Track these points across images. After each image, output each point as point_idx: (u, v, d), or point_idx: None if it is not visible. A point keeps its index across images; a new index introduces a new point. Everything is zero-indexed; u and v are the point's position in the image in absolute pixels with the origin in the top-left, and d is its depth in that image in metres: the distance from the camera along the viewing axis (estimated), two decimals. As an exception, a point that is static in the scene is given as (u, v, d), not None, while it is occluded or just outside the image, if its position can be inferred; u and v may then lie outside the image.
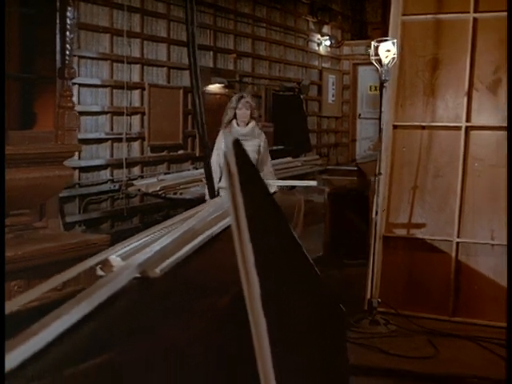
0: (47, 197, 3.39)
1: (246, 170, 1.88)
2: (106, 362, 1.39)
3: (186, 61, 9.64)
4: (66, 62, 3.31)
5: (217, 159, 5.87)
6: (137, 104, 8.74)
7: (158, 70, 9.20)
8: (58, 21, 3.24)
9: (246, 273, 1.60)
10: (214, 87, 10.17)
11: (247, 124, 6.08)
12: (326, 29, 13.92)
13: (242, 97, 6.18)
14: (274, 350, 1.60)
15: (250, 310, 1.57)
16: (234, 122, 6.07)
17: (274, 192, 5.50)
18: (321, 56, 13.79)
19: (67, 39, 3.32)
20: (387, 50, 5.02)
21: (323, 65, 13.94)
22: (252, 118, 6.10)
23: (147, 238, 2.40)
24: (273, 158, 6.98)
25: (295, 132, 11.70)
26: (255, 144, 6.05)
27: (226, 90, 10.47)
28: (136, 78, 8.73)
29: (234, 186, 1.65)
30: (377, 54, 5.13)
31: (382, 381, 4.27)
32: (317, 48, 13.73)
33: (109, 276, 1.84)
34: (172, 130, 9.37)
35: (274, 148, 10.20)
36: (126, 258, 2.06)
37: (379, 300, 5.26)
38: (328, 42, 13.87)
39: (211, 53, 10.29)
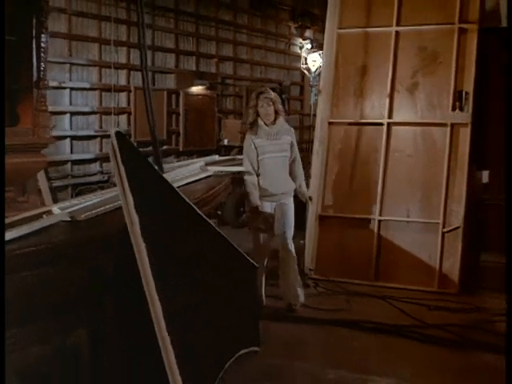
0: (27, 178, 4.48)
1: (131, 157, 3.00)
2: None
3: (169, 65, 10.84)
4: (41, 76, 4.39)
5: (251, 165, 5.49)
6: (124, 105, 9.83)
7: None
8: (34, 45, 4.34)
9: (134, 236, 2.71)
10: (197, 89, 11.26)
11: (275, 121, 5.53)
12: (308, 33, 14.92)
13: (260, 92, 5.56)
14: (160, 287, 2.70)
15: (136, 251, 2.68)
16: (260, 121, 5.50)
17: (209, 176, 5.40)
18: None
19: (42, 59, 4.40)
20: (313, 60, 6.09)
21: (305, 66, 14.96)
22: (278, 113, 5.54)
23: (87, 199, 3.50)
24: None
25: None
26: (286, 142, 5.59)
27: (208, 91, 11.57)
28: (123, 82, 9.81)
29: (121, 174, 2.74)
30: (306, 64, 6.19)
31: (305, 326, 5.25)
32: (299, 51, 14.75)
33: (47, 217, 2.94)
34: (156, 128, 10.42)
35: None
36: (64, 209, 3.15)
37: (311, 268, 6.34)
38: (309, 46, 14.84)
39: (194, 58, 11.37)
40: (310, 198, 6.11)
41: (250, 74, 12.91)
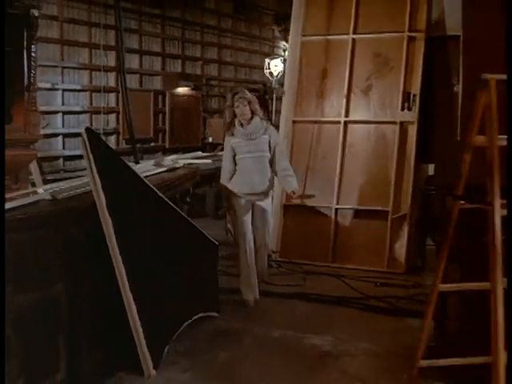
0: (20, 168, 5.24)
1: (99, 148, 3.76)
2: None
3: (156, 68, 11.60)
4: (31, 81, 5.15)
5: (227, 167, 5.61)
6: (113, 104, 10.59)
7: (132, 76, 11.05)
8: (25, 54, 5.10)
9: (102, 213, 3.45)
10: (182, 90, 12.02)
11: (250, 121, 5.49)
12: (291, 35, 15.65)
13: (235, 93, 5.57)
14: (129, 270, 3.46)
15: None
16: (237, 121, 5.50)
17: (178, 167, 5.89)
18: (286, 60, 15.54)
19: (32, 66, 5.16)
20: (275, 66, 6.86)
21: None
22: (254, 113, 5.50)
23: (69, 182, 4.27)
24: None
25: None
26: (264, 142, 5.54)
27: (194, 92, 12.34)
28: (112, 83, 10.58)
29: (90, 162, 3.48)
30: (269, 68, 6.96)
31: (264, 298, 5.97)
32: (283, 53, 15.50)
33: (33, 196, 3.71)
34: (144, 126, 11.20)
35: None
36: (47, 190, 3.92)
37: (273, 250, 7.10)
38: (292, 48, 15.57)
39: (180, 60, 12.13)
40: (294, 192, 5.76)
41: (234, 75, 13.67)
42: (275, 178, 5.81)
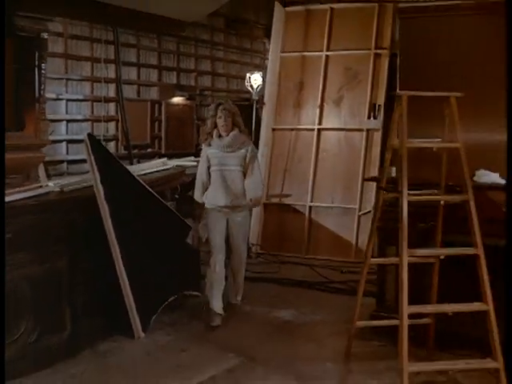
0: (30, 168, 6.15)
1: (101, 152, 4.68)
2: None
3: (153, 79, 12.50)
4: (41, 93, 6.06)
5: (201, 177, 5.58)
6: (112, 113, 11.47)
7: (130, 86, 11.94)
8: (36, 71, 6.01)
9: (100, 201, 4.35)
10: (177, 99, 12.91)
11: (229, 133, 5.42)
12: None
13: (219, 104, 5.52)
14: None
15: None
16: (216, 132, 5.46)
17: (168, 168, 6.36)
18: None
19: (42, 81, 6.06)
20: (255, 80, 7.76)
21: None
22: (235, 126, 5.45)
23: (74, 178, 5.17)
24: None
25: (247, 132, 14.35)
26: (240, 156, 5.45)
27: (188, 102, 13.24)
28: (112, 94, 11.47)
29: (91, 160, 4.40)
30: (250, 82, 7.87)
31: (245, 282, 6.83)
32: (274, 64, 16.38)
33: (43, 188, 4.61)
34: (141, 133, 12.06)
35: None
36: (57, 185, 4.82)
37: (252, 243, 7.98)
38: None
39: (175, 72, 13.02)
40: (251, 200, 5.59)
41: (226, 86, 14.55)
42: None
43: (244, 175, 5.52)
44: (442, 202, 4.27)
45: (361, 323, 4.69)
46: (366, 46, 8.18)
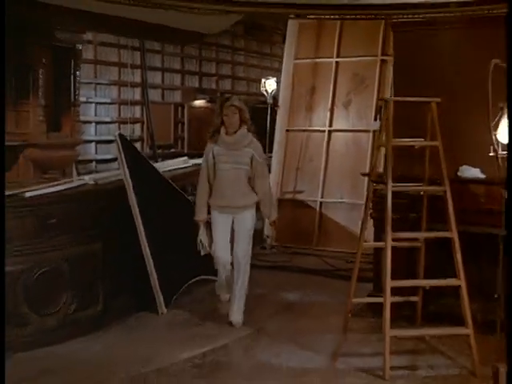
0: (66, 165, 6.89)
1: (131, 152, 5.42)
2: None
3: (176, 83, 13.26)
4: (76, 97, 6.80)
5: (205, 175, 5.39)
6: (138, 115, 12.24)
7: (155, 90, 12.69)
8: (72, 78, 6.75)
9: (129, 192, 5.08)
10: (199, 102, 13.65)
11: (236, 131, 5.25)
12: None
13: (226, 100, 5.38)
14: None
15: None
16: (223, 130, 5.28)
17: (187, 166, 6.97)
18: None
19: (76, 86, 6.80)
20: (269, 85, 8.45)
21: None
22: (243, 123, 5.26)
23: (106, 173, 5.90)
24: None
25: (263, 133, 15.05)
26: (246, 155, 5.27)
27: (209, 104, 13.96)
28: (137, 97, 12.23)
29: (122, 157, 5.13)
30: (264, 87, 8.56)
31: (258, 269, 7.48)
32: (292, 68, 17.03)
33: (80, 180, 5.34)
34: (165, 134, 12.82)
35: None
36: (91, 178, 5.54)
37: (267, 235, 8.65)
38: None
39: (197, 76, 13.77)
40: (274, 223, 5.72)
41: (246, 89, 15.26)
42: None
43: (249, 176, 5.36)
44: (421, 193, 4.91)
45: (356, 300, 5.33)
46: (373, 53, 8.79)
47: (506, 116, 4.16)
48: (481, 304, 4.91)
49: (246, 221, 5.42)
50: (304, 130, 9.10)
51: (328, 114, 8.95)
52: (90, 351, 4.88)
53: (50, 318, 4.94)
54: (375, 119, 8.68)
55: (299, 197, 8.95)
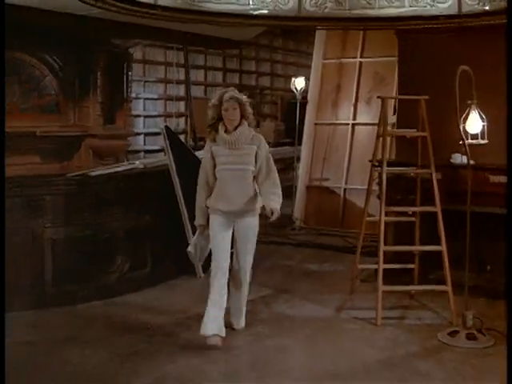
0: (119, 153, 8.04)
1: (175, 142, 6.56)
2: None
3: (218, 80, 14.35)
4: (128, 94, 7.92)
5: (205, 177, 4.96)
6: (182, 110, 13.38)
7: (198, 87, 13.81)
8: (124, 78, 7.87)
9: (173, 175, 6.18)
10: (239, 98, 14.71)
11: (236, 128, 4.73)
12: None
13: (225, 92, 4.83)
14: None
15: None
16: (221, 126, 4.76)
17: None
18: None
19: (128, 85, 7.92)
20: (298, 83, 9.45)
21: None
22: (244, 118, 4.77)
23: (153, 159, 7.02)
24: (283, 148, 10.91)
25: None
26: (249, 153, 4.77)
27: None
28: (182, 93, 13.36)
29: (167, 145, 6.26)
30: (294, 84, 9.57)
31: (284, 246, 8.56)
32: (328, 65, 17.94)
33: (132, 165, 6.47)
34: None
35: (287, 140, 14.54)
36: (141, 163, 6.67)
37: (296, 218, 9.66)
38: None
39: (237, 74, 14.84)
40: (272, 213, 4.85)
41: (284, 85, 16.25)
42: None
43: (254, 175, 4.90)
44: (412, 174, 5.89)
45: (361, 266, 6.33)
46: (392, 53, 9.64)
47: (474, 111, 5.07)
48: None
49: (251, 227, 4.94)
50: (330, 124, 10.08)
51: (352, 109, 9.90)
52: (141, 302, 6.01)
53: (109, 275, 6.09)
54: (394, 113, 9.59)
55: (325, 184, 9.95)
